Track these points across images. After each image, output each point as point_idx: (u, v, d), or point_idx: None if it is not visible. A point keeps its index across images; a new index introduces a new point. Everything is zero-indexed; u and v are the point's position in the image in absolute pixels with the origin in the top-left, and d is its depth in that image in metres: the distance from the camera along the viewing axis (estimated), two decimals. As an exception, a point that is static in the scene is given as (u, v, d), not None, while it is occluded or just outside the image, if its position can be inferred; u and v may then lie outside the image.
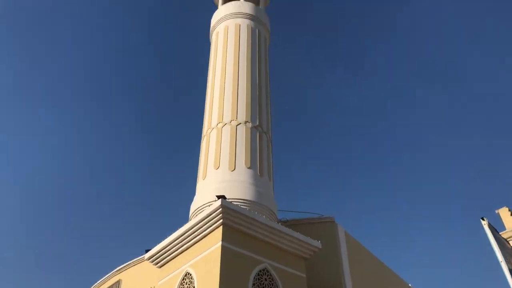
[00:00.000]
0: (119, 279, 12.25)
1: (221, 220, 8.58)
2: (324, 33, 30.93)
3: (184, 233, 9.13)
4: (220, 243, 8.39)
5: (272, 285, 8.67)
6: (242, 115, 11.56)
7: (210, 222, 8.71)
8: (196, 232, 8.94)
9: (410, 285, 13.89)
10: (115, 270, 12.54)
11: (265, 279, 8.63)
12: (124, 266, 12.28)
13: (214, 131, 11.51)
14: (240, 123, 11.38)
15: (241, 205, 9.54)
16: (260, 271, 8.66)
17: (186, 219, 10.68)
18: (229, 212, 8.63)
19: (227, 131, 11.28)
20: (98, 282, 13.04)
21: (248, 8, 14.07)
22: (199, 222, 8.86)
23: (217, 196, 8.94)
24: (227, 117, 11.56)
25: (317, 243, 9.65)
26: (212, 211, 8.65)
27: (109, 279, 12.69)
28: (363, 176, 29.77)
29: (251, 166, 10.67)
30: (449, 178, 29.58)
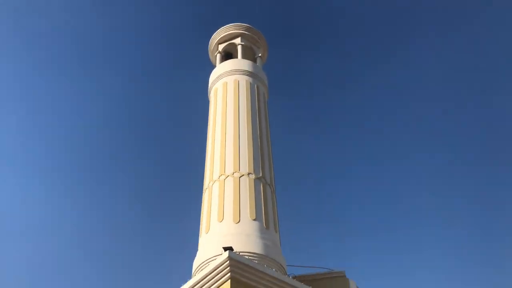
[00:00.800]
0: None
1: (229, 274, 8.04)
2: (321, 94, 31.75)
3: (189, 290, 8.50)
4: (228, 298, 7.79)
5: None
6: (245, 167, 11.35)
7: (217, 276, 8.16)
8: (202, 288, 8.32)
9: None
10: None
11: (279, 338, 7.92)
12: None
13: (216, 183, 11.20)
14: (243, 175, 11.13)
15: (249, 258, 9.00)
16: (273, 329, 7.98)
17: (188, 277, 10.01)
18: (237, 265, 8.12)
19: (230, 183, 10.99)
20: None
21: (246, 65, 14.37)
22: (205, 277, 8.29)
23: (223, 248, 8.45)
24: (229, 170, 11.32)
25: (331, 298, 9.05)
26: (219, 264, 8.13)
27: None
28: (372, 228, 29.06)
29: (257, 218, 10.27)
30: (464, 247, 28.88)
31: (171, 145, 30.57)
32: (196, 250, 10.65)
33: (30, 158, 28.77)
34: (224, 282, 8.11)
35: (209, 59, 16.40)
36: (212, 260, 9.20)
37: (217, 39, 15.84)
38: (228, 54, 15.92)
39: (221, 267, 8.11)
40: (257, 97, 13.53)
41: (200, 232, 10.88)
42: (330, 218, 29.62)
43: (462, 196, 29.12)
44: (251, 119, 12.60)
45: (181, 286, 8.82)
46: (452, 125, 29.90)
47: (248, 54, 15.61)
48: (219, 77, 14.27)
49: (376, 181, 30.13)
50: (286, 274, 9.94)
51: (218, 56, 15.61)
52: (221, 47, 15.81)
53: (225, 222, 10.16)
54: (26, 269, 26.21)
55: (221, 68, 14.52)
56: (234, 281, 8.03)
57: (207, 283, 8.26)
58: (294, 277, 10.55)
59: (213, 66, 15.66)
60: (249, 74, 14.09)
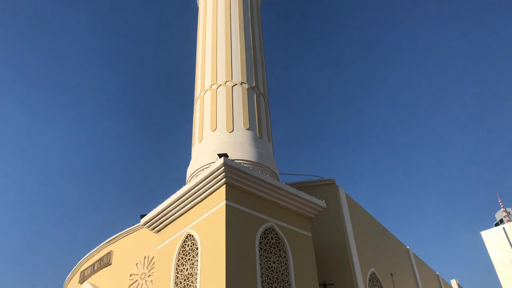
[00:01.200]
0: (110, 251, 11.71)
1: (224, 179, 8.16)
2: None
3: (185, 194, 8.68)
4: (224, 202, 7.99)
5: (279, 244, 8.37)
6: (237, 76, 11.08)
7: (213, 181, 8.28)
8: (198, 193, 8.50)
9: (408, 247, 13.89)
10: (105, 241, 11.98)
11: (272, 238, 8.31)
12: (116, 237, 11.74)
13: (208, 93, 10.99)
14: (236, 84, 10.90)
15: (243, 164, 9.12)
16: (266, 230, 8.34)
17: (181, 185, 10.19)
18: (232, 171, 8.22)
19: (222, 93, 10.79)
20: (87, 255, 12.46)
21: (237, -33, 13.40)
22: (201, 182, 8.41)
23: (218, 154, 8.49)
24: (221, 79, 11.05)
25: (322, 203, 9.39)
26: (214, 169, 8.21)
27: (99, 251, 12.13)
28: (362, 140, 30.17)
29: (250, 127, 10.25)
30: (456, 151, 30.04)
31: (158, 54, 29.74)
32: (189, 159, 10.74)
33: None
34: (220, 187, 8.25)
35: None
36: (206, 167, 9.32)
37: None
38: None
39: (216, 172, 8.20)
40: (250, 2, 12.83)
41: (192, 141, 10.88)
42: (323, 130, 30.25)
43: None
44: (244, 26, 12.05)
45: (176, 191, 8.98)
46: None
47: (240, -45, 14.53)
48: (209, -19, 13.37)
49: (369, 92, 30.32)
50: (279, 181, 10.18)
51: (207, -43, 14.50)
52: None
53: (218, 131, 10.14)
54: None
55: (211, -29, 13.54)
56: (229, 186, 8.19)
57: (202, 188, 8.41)
58: (287, 184, 10.84)
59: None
60: (241, -23, 13.21)
